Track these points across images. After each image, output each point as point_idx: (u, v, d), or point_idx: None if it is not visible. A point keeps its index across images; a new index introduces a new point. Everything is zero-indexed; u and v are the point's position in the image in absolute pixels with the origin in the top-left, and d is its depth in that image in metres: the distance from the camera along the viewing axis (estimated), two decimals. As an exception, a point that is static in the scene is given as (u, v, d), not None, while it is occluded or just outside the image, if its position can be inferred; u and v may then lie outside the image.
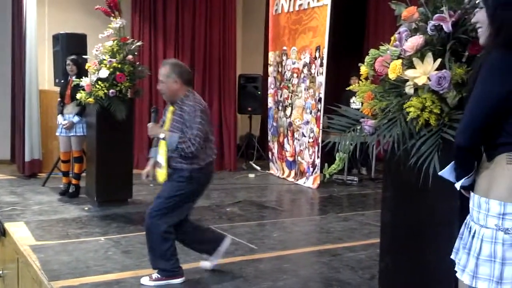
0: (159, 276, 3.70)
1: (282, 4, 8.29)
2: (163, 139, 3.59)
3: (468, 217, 1.94)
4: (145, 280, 3.71)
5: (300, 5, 7.81)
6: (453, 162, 1.97)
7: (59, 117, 6.30)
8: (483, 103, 1.79)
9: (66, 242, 4.58)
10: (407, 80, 2.31)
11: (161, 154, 3.65)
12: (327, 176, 7.52)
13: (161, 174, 3.65)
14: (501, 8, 1.81)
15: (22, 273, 4.34)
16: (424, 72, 2.23)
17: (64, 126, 6.21)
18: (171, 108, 3.69)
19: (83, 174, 6.40)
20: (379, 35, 8.96)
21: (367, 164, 8.35)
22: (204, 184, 3.76)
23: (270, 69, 8.64)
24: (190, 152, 3.50)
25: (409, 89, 2.30)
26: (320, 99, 7.31)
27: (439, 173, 2.03)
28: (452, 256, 2.02)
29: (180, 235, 3.79)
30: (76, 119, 6.18)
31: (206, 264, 3.99)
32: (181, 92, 3.61)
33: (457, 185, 1.95)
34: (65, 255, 4.23)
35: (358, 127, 2.59)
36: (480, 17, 1.91)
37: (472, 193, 1.90)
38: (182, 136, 3.51)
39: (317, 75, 7.41)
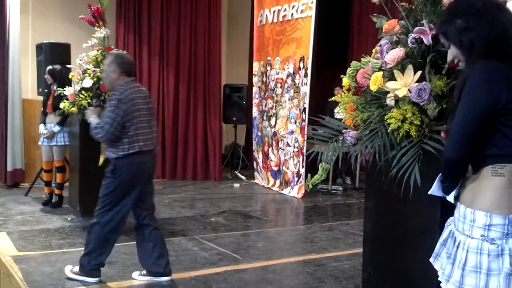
0: (77, 271, 3.83)
1: (266, 15, 8.34)
2: (90, 124, 3.82)
3: (451, 224, 1.96)
4: (67, 269, 3.88)
5: (284, 16, 7.88)
6: (438, 178, 1.98)
7: (41, 127, 6.26)
8: (470, 115, 1.81)
9: (48, 253, 4.55)
10: (388, 92, 2.34)
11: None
12: (310, 186, 7.52)
13: (101, 158, 3.98)
14: (463, 34, 1.87)
15: (4, 284, 4.28)
16: (405, 84, 2.27)
17: (45, 136, 6.17)
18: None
19: (66, 184, 6.35)
20: (363, 47, 9.05)
21: (351, 173, 8.39)
22: (133, 175, 3.75)
23: (255, 79, 8.68)
24: (100, 138, 3.71)
25: (390, 101, 2.33)
26: (304, 109, 7.35)
27: (429, 193, 2.03)
28: (431, 260, 2.03)
29: (137, 237, 3.94)
30: (56, 128, 6.14)
31: (135, 275, 4.02)
32: (119, 82, 3.74)
33: (450, 198, 1.95)
34: (48, 266, 4.20)
35: (341, 138, 2.61)
36: (453, 53, 1.96)
37: (458, 203, 1.92)
38: (99, 122, 3.70)
39: (302, 85, 7.46)
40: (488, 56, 1.81)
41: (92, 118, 3.82)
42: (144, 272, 3.98)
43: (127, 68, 3.82)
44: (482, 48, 1.83)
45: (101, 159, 3.89)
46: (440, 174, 1.97)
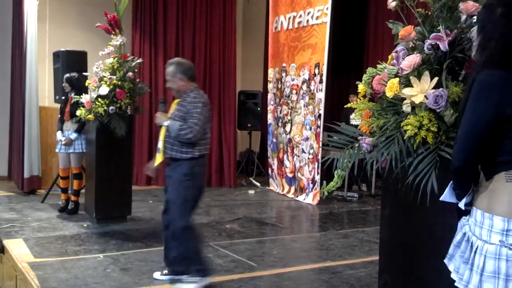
0: (195, 278, 3.86)
1: (281, 22, 8.35)
2: (167, 126, 3.90)
3: (466, 225, 1.94)
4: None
5: (299, 22, 7.88)
6: (450, 184, 1.98)
7: (58, 134, 6.33)
8: (475, 123, 1.81)
9: (64, 259, 4.57)
10: (405, 99, 2.32)
11: (160, 140, 3.97)
12: (326, 193, 7.51)
13: (158, 158, 3.96)
14: (491, 23, 1.84)
15: (20, 290, 4.32)
16: (421, 90, 2.25)
17: (63, 143, 6.23)
18: (176, 100, 4.01)
19: (82, 191, 6.40)
20: (378, 53, 9.03)
21: (367, 180, 8.34)
22: (204, 176, 4.01)
23: (270, 85, 8.68)
24: (189, 139, 3.78)
25: (406, 107, 2.31)
26: (319, 116, 7.33)
27: (441, 199, 2.03)
28: (445, 261, 2.03)
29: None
30: (74, 135, 6.20)
31: (157, 275, 4.13)
32: (187, 87, 3.93)
33: (461, 205, 1.95)
34: (64, 273, 4.22)
35: (356, 145, 2.59)
36: (475, 33, 1.96)
37: (474, 208, 1.90)
38: (183, 124, 3.80)
39: (317, 92, 7.44)
40: (501, 62, 1.78)
41: (166, 122, 3.92)
42: (166, 271, 4.09)
43: (192, 73, 4.01)
44: (496, 49, 1.80)
45: (160, 158, 3.96)
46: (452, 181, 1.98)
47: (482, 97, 1.80)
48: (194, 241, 3.92)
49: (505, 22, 1.82)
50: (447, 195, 2.01)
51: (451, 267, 2.01)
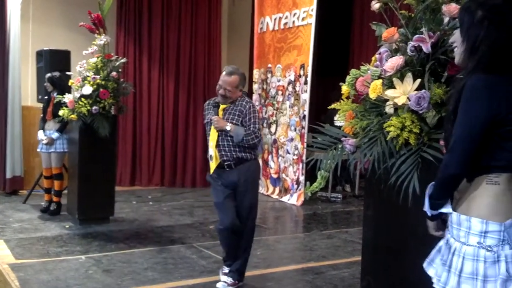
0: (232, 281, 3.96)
1: (267, 23, 8.36)
2: (229, 131, 3.88)
3: (447, 232, 1.95)
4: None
5: (285, 23, 7.89)
6: (429, 194, 1.94)
7: (40, 133, 6.26)
8: (471, 128, 1.79)
9: (46, 261, 4.52)
10: (387, 100, 2.33)
11: (211, 147, 3.96)
12: (309, 194, 7.53)
13: (212, 165, 3.94)
14: (474, 27, 1.84)
15: (1, 292, 4.26)
16: (404, 92, 2.26)
17: (44, 142, 6.17)
18: (222, 106, 3.99)
19: (65, 192, 6.33)
20: (363, 54, 9.07)
21: (350, 181, 8.37)
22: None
23: (255, 86, 8.68)
24: (254, 144, 3.90)
25: (389, 109, 2.31)
26: (304, 117, 7.35)
27: (430, 214, 1.97)
28: (424, 265, 2.03)
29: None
30: (55, 135, 6.14)
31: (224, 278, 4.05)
32: (239, 94, 4.02)
33: (446, 210, 1.92)
34: (45, 274, 4.17)
35: (340, 146, 2.59)
36: (456, 37, 1.94)
37: (453, 212, 1.91)
38: (247, 129, 3.87)
39: (302, 93, 7.46)
40: (489, 67, 1.79)
41: (229, 127, 3.89)
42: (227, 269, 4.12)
43: (244, 82, 4.11)
44: (485, 54, 1.80)
45: (215, 165, 3.94)
46: (429, 192, 1.94)
47: (474, 102, 1.79)
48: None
49: (489, 27, 1.81)
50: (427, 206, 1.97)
51: (430, 272, 2.00)
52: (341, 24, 9.97)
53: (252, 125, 3.88)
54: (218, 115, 3.96)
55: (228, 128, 3.87)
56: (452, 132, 1.85)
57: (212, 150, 3.93)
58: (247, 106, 3.92)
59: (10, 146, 7.36)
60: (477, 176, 1.85)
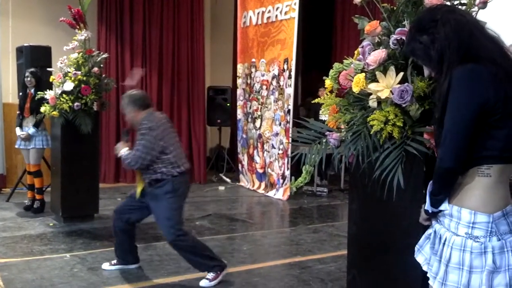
0: (213, 274, 3.92)
1: (250, 17, 8.32)
2: (121, 157, 3.97)
3: (436, 226, 1.95)
4: (205, 283, 3.92)
5: (268, 18, 7.86)
6: (429, 191, 1.93)
7: (17, 130, 6.17)
8: (462, 120, 1.79)
9: (30, 260, 4.48)
10: (371, 94, 2.32)
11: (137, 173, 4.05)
12: (294, 189, 7.53)
13: (138, 190, 4.03)
14: (431, 48, 1.89)
15: (-16, 292, 4.21)
16: (387, 85, 2.25)
17: (22, 137, 6.09)
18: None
19: (49, 189, 6.26)
20: (345, 48, 9.10)
21: (326, 175, 8.37)
22: (186, 192, 4.09)
23: (239, 81, 8.65)
24: (132, 166, 3.88)
25: (372, 103, 2.31)
26: (289, 111, 7.34)
27: (431, 211, 1.95)
28: (415, 253, 2.04)
29: (127, 225, 4.08)
30: (32, 130, 6.06)
31: (106, 265, 4.30)
32: (140, 117, 3.94)
33: (443, 207, 1.91)
34: (29, 273, 4.13)
35: (324, 140, 2.59)
36: (425, 69, 2.03)
37: (446, 203, 1.92)
38: (128, 153, 3.89)
39: (286, 87, 7.45)
40: (463, 62, 1.81)
41: (123, 151, 3.96)
42: (115, 261, 4.25)
43: (142, 102, 3.99)
44: (454, 55, 1.83)
45: (139, 190, 4.02)
46: (430, 188, 1.93)
47: (461, 92, 1.80)
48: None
49: (435, 37, 1.87)
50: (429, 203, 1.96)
51: (420, 259, 2.02)
52: (323, 17, 9.98)
53: (136, 147, 3.85)
54: (126, 141, 4.10)
55: (120, 154, 3.99)
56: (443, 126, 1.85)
57: (137, 176, 4.07)
58: (140, 128, 3.89)
59: (-9, 144, 7.26)
60: (469, 168, 1.85)
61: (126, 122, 4.17)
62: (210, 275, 3.93)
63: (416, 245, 2.04)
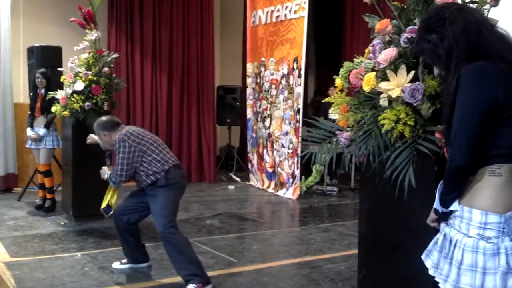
0: (195, 285, 3.75)
1: (259, 16, 8.32)
2: (107, 179, 4.09)
3: (443, 224, 1.94)
4: None
5: (277, 17, 7.85)
6: (440, 191, 1.92)
7: (28, 130, 6.22)
8: (472, 118, 1.77)
9: (41, 258, 4.50)
10: (381, 93, 2.31)
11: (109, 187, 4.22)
12: (304, 189, 7.52)
13: (104, 202, 4.20)
14: (440, 47, 1.87)
15: (-4, 291, 4.24)
16: (398, 84, 2.24)
17: (31, 138, 6.13)
18: None
19: (60, 188, 6.30)
20: (354, 47, 9.08)
21: (336, 174, 8.35)
22: (182, 185, 4.04)
23: (249, 80, 8.65)
24: (114, 183, 3.98)
25: (383, 102, 2.30)
26: (298, 110, 7.33)
27: (441, 211, 1.93)
28: (423, 257, 2.02)
29: (128, 225, 4.12)
30: (42, 131, 6.10)
31: (116, 264, 4.33)
32: (113, 137, 4.03)
33: (453, 207, 1.89)
34: (41, 272, 4.15)
35: (334, 139, 2.58)
36: (435, 68, 2.00)
37: (456, 203, 1.90)
38: (112, 172, 4.00)
39: (296, 86, 7.44)
40: (471, 60, 1.80)
41: (106, 175, 4.10)
42: (125, 260, 4.27)
43: (110, 125, 4.10)
44: (461, 54, 1.82)
45: (104, 203, 4.23)
46: (441, 188, 1.91)
47: (469, 90, 1.78)
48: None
49: (443, 36, 1.86)
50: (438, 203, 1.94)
51: (428, 263, 1.99)
52: (333, 16, 9.96)
53: (116, 163, 3.95)
54: (109, 164, 4.26)
55: (105, 177, 4.12)
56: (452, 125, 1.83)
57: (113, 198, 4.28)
58: (114, 145, 3.97)
59: (3, 143, 7.31)
60: (479, 168, 1.83)
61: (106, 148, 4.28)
62: (192, 285, 3.72)
63: (425, 250, 2.02)
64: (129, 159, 3.89)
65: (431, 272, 1.96)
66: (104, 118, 4.22)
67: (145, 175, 3.93)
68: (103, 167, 4.19)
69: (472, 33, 1.83)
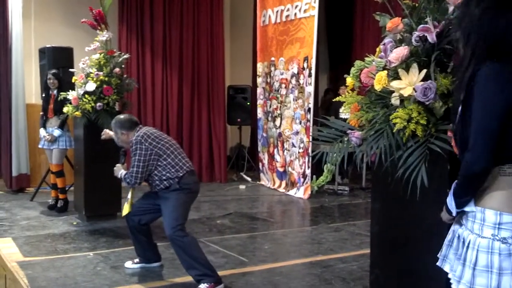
0: (207, 285, 3.76)
1: (269, 15, 8.31)
2: (120, 177, 4.09)
3: (455, 227, 1.92)
4: None
5: (287, 16, 7.84)
6: (453, 192, 1.88)
7: (41, 131, 6.27)
8: (488, 121, 1.74)
9: (54, 258, 4.53)
10: (393, 91, 2.30)
11: (129, 191, 4.18)
12: (316, 188, 7.50)
13: (125, 208, 4.11)
14: (467, 18, 1.81)
15: (10, 290, 4.27)
16: (410, 83, 2.23)
17: (46, 139, 6.17)
18: None
19: (72, 188, 6.34)
20: (364, 46, 9.05)
21: (347, 173, 8.32)
22: (194, 191, 4.09)
23: (259, 80, 8.64)
24: (131, 185, 3.97)
25: (395, 100, 2.29)
26: (309, 109, 7.32)
27: (455, 213, 1.89)
28: (438, 263, 2.00)
29: (141, 226, 4.12)
30: (57, 132, 6.15)
31: (129, 264, 4.35)
32: (130, 137, 4.05)
33: (471, 208, 1.85)
34: (53, 271, 4.18)
35: (346, 139, 2.57)
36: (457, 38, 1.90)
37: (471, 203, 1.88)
38: (126, 172, 4.00)
39: (306, 86, 7.42)
40: (494, 54, 1.76)
41: (119, 173, 4.10)
42: (137, 260, 4.28)
43: (129, 124, 4.11)
44: (482, 44, 1.77)
45: (127, 209, 4.11)
46: (455, 190, 1.87)
47: (491, 91, 1.74)
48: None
49: (480, 14, 1.78)
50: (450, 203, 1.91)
51: (446, 268, 1.97)
52: (343, 15, 9.93)
53: (132, 164, 3.94)
54: (123, 163, 4.24)
55: (119, 176, 4.11)
56: (466, 126, 1.79)
57: (129, 194, 4.17)
58: (131, 146, 3.98)
59: (15, 144, 7.37)
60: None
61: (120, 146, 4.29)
62: (204, 285, 3.74)
63: (439, 256, 1.99)
64: (145, 161, 3.90)
65: (450, 275, 1.94)
66: (123, 116, 4.22)
67: (159, 179, 3.95)
68: (117, 165, 4.18)
69: (500, 26, 1.76)
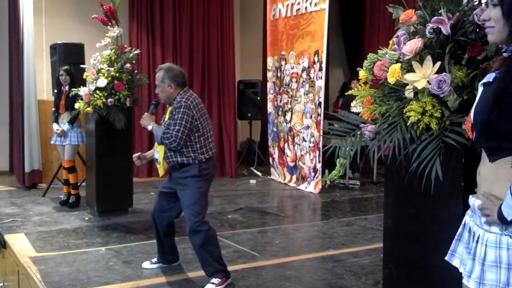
0: (219, 280, 3.76)
1: (279, 9, 8.28)
2: (150, 130, 3.90)
3: (466, 218, 1.90)
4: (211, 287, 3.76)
5: (298, 10, 7.81)
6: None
7: (54, 125, 6.34)
8: None
9: (66, 253, 4.56)
10: (407, 84, 2.27)
11: (156, 151, 3.91)
12: (328, 182, 7.48)
13: (160, 169, 3.91)
14: None
15: (23, 285, 4.30)
16: (424, 75, 2.20)
17: (57, 133, 6.21)
18: (169, 109, 3.92)
19: (84, 184, 6.37)
20: (375, 39, 9.01)
21: (358, 167, 8.30)
22: (212, 178, 3.95)
23: (269, 74, 8.62)
24: (174, 147, 3.72)
25: (409, 93, 2.26)
26: (320, 104, 7.29)
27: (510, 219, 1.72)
28: (447, 258, 1.98)
29: (167, 228, 4.08)
30: (66, 127, 6.18)
31: (147, 264, 4.27)
32: (176, 94, 3.85)
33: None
34: (66, 266, 4.20)
35: (358, 132, 2.55)
36: (493, 15, 1.76)
37: (473, 197, 1.86)
38: (166, 131, 3.73)
39: (316, 80, 7.39)
40: None
41: (150, 126, 3.90)
42: (155, 260, 4.25)
43: (181, 80, 3.89)
44: None
45: (162, 169, 3.93)
46: None
47: None
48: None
49: None
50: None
51: (455, 263, 1.95)
52: (353, 9, 9.88)
53: (172, 127, 3.71)
54: (152, 113, 4.01)
55: (149, 128, 3.90)
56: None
57: (158, 154, 3.90)
58: (177, 106, 3.75)
59: (27, 140, 7.41)
60: (500, 158, 1.75)
61: (156, 95, 4.03)
62: (216, 280, 3.76)
63: (449, 250, 1.97)
64: (187, 128, 3.71)
65: (461, 270, 1.92)
66: (177, 69, 3.97)
67: (181, 154, 3.76)
68: (146, 113, 3.98)
69: None
